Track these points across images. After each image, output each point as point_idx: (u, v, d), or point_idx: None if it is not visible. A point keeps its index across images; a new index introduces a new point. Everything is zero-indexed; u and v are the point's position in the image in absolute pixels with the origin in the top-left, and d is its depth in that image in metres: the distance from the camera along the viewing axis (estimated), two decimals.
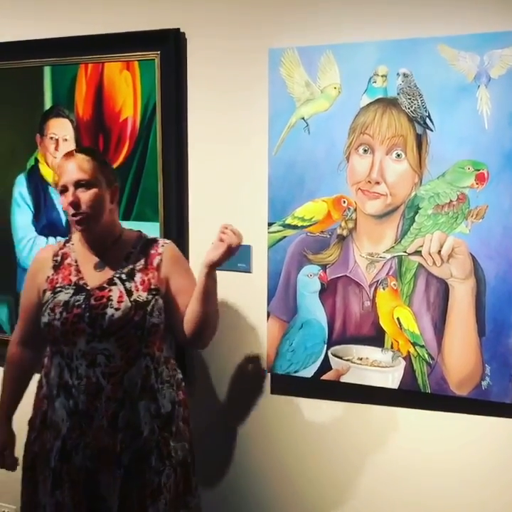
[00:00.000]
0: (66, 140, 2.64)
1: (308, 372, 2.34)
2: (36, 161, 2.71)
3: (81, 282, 2.09)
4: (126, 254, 2.14)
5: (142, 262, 2.12)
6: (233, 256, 2.00)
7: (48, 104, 2.65)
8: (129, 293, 2.06)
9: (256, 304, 2.43)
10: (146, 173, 2.50)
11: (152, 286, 2.09)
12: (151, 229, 2.45)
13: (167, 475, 2.09)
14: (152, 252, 2.15)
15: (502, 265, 2.07)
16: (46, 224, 2.73)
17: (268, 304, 2.37)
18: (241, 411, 2.54)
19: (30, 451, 2.16)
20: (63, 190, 2.04)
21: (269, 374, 2.45)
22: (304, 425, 2.45)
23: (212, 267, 2.01)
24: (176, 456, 2.11)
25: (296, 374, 2.36)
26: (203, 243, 2.39)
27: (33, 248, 2.74)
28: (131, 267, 2.11)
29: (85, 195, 2.02)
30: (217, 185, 2.44)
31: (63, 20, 2.58)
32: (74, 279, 2.10)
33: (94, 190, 2.03)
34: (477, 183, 2.07)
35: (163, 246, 2.17)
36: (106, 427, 2.03)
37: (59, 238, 2.67)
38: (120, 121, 2.53)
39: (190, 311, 2.09)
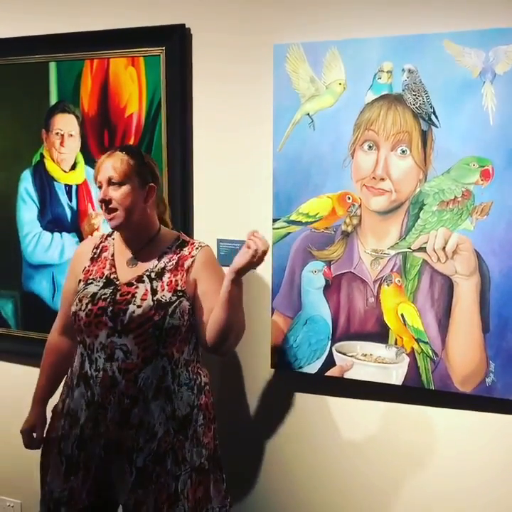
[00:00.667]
0: (71, 136, 2.64)
1: (313, 369, 2.34)
2: (42, 156, 2.71)
3: (112, 276, 2.12)
4: (160, 253, 2.14)
5: (174, 262, 2.12)
6: (259, 264, 1.95)
7: (53, 99, 2.65)
8: (154, 292, 2.06)
9: (260, 300, 2.43)
10: None
11: (178, 288, 2.08)
12: None
13: (183, 481, 2.07)
14: (185, 253, 2.14)
15: (506, 262, 2.07)
16: (51, 219, 2.73)
17: (272, 300, 2.37)
18: (245, 407, 2.54)
19: (48, 437, 2.21)
20: (99, 186, 2.08)
21: (273, 370, 2.45)
22: (307, 421, 2.45)
23: (239, 274, 1.97)
24: (190, 461, 2.09)
25: (301, 370, 2.36)
26: (208, 239, 2.40)
27: (38, 244, 2.75)
28: (162, 266, 2.12)
29: (116, 194, 2.05)
30: (222, 182, 2.45)
31: (69, 16, 2.58)
32: (106, 272, 2.13)
33: (124, 189, 2.05)
34: (482, 180, 2.07)
35: (197, 248, 2.16)
36: (118, 421, 2.05)
37: (64, 234, 2.68)
38: (125, 117, 2.53)
39: (213, 317, 2.06)
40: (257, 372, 2.49)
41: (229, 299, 1.99)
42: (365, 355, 2.27)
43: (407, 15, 2.11)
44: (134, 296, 2.05)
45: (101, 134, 2.58)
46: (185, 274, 2.10)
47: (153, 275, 2.10)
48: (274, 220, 2.33)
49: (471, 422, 2.23)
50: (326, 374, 2.33)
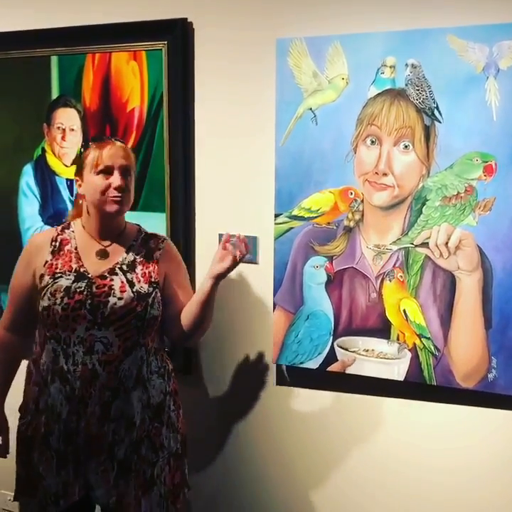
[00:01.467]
0: (73, 130, 2.64)
1: (314, 364, 2.34)
2: (43, 150, 2.71)
3: (82, 269, 2.10)
4: (128, 245, 2.17)
5: (143, 254, 2.16)
6: (238, 265, 2.09)
7: (55, 93, 2.65)
8: (131, 284, 2.09)
9: (262, 295, 2.43)
10: (152, 163, 2.50)
11: (152, 279, 2.13)
12: (158, 219, 2.45)
13: (161, 467, 2.12)
14: (152, 246, 2.19)
15: (509, 257, 2.06)
16: (53, 214, 2.73)
17: (274, 295, 2.37)
18: (246, 402, 2.54)
19: (23, 436, 2.18)
20: (104, 171, 2.04)
21: (274, 365, 2.45)
22: (308, 416, 2.45)
23: (218, 279, 2.09)
24: (168, 447, 2.15)
25: (302, 365, 2.36)
26: (210, 234, 2.40)
27: None
28: (132, 258, 2.14)
29: (128, 181, 2.08)
30: (223, 176, 2.44)
31: (71, 10, 2.57)
32: (74, 266, 2.11)
33: (132, 178, 2.11)
34: (485, 175, 2.06)
35: (162, 241, 2.21)
36: (98, 415, 2.06)
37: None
38: (127, 112, 2.53)
39: (186, 313, 2.16)
40: (259, 367, 2.49)
41: (206, 300, 2.11)
42: (367, 350, 2.27)
43: (410, 9, 2.10)
44: (111, 288, 2.07)
45: (102, 128, 2.58)
46: (156, 266, 2.15)
47: (125, 267, 2.12)
48: (276, 215, 2.33)
49: (472, 418, 2.22)
50: (328, 369, 2.32)
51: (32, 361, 2.18)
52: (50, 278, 2.10)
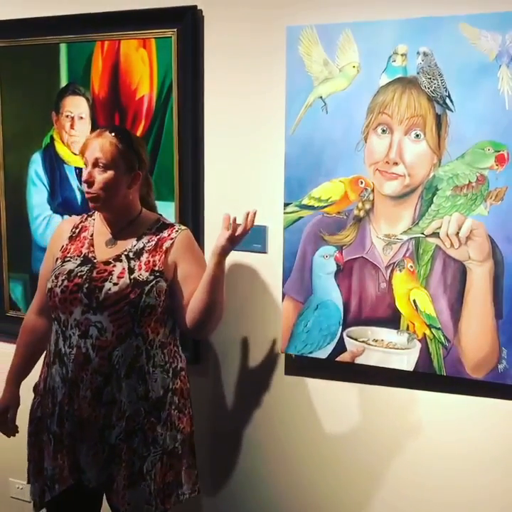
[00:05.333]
0: (82, 118, 2.63)
1: (323, 354, 2.34)
2: (52, 139, 2.71)
3: (90, 255, 2.14)
4: (140, 234, 2.17)
5: (153, 243, 2.15)
6: (243, 240, 2.05)
7: (63, 81, 2.64)
8: (131, 271, 2.09)
9: (271, 284, 2.43)
10: (161, 151, 2.49)
11: (156, 268, 2.11)
12: (167, 208, 2.44)
13: (152, 462, 2.11)
14: (165, 235, 2.17)
15: None
16: (61, 202, 2.73)
17: (283, 285, 2.36)
18: (255, 391, 2.54)
19: (34, 416, 2.23)
20: (85, 164, 2.09)
21: (283, 355, 2.45)
22: (317, 406, 2.45)
23: (221, 255, 2.03)
24: (162, 444, 2.13)
25: (311, 355, 2.36)
26: (218, 223, 2.37)
27: (49, 226, 2.75)
28: (141, 246, 2.14)
29: (100, 177, 2.07)
30: (233, 165, 2.43)
31: None
32: (84, 251, 2.15)
33: (109, 173, 2.07)
34: (497, 165, 2.04)
35: (177, 231, 2.18)
36: (89, 399, 2.07)
37: (74, 216, 2.67)
38: (136, 100, 2.51)
39: (195, 299, 2.11)
40: (268, 356, 2.49)
41: (211, 282, 2.05)
42: (377, 340, 2.26)
43: None
44: (110, 274, 2.08)
45: (111, 116, 2.57)
46: (163, 256, 2.13)
47: (131, 255, 2.12)
48: (286, 205, 2.32)
49: (482, 408, 2.22)
50: (337, 359, 2.32)
51: (49, 343, 2.22)
52: (60, 261, 2.16)
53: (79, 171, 2.66)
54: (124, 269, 2.09)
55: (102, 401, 2.07)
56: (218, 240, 2.04)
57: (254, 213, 2.03)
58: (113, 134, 2.09)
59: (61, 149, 2.69)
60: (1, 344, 2.89)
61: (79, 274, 2.09)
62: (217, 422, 2.59)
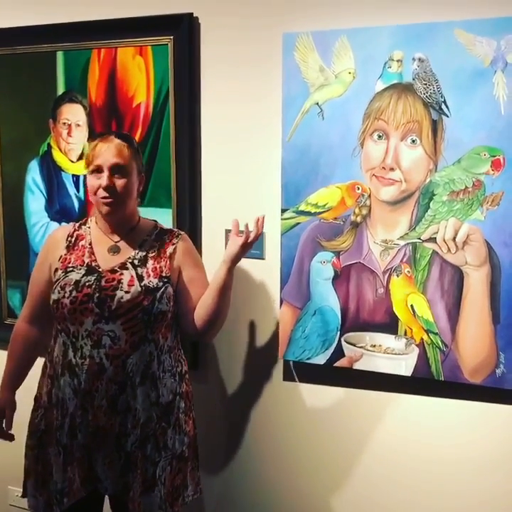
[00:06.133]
0: (79, 125, 2.64)
1: (321, 359, 2.34)
2: (49, 146, 2.71)
3: (93, 264, 2.12)
4: (141, 241, 2.17)
5: (156, 249, 2.16)
6: (250, 248, 2.09)
7: (60, 89, 2.64)
8: (140, 278, 2.09)
9: (269, 290, 2.43)
10: (158, 158, 2.49)
11: (163, 274, 2.12)
12: (164, 215, 2.44)
13: (162, 467, 2.11)
14: (166, 240, 2.18)
15: None
16: (59, 210, 2.73)
17: (281, 291, 2.36)
18: (253, 397, 2.54)
19: (36, 429, 2.20)
20: (96, 170, 2.07)
21: (281, 361, 2.45)
22: (316, 412, 2.45)
23: (234, 262, 2.08)
24: (172, 448, 2.13)
25: (309, 361, 2.36)
26: (216, 230, 2.40)
27: (46, 234, 2.74)
28: (144, 253, 2.14)
29: (120, 181, 2.07)
30: (230, 172, 2.43)
31: (76, 4, 2.57)
32: (86, 260, 2.13)
33: (128, 178, 2.08)
34: (493, 170, 2.05)
35: (177, 236, 2.21)
36: (105, 408, 2.07)
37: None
38: (133, 107, 2.52)
39: (203, 304, 2.13)
40: (266, 362, 2.49)
41: (222, 288, 2.09)
42: (375, 346, 2.26)
43: (417, 3, 2.09)
44: (120, 282, 2.07)
45: (108, 123, 2.57)
46: (168, 261, 2.14)
47: (136, 262, 2.12)
48: (283, 211, 2.32)
49: (480, 413, 2.22)
50: (335, 365, 2.32)
51: (48, 353, 2.21)
52: (62, 272, 2.13)
53: (76, 179, 2.67)
54: (132, 276, 2.08)
55: (117, 409, 2.07)
56: (229, 247, 2.07)
57: (264, 218, 2.08)
58: (120, 139, 2.09)
59: (58, 157, 2.69)
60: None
61: (87, 283, 2.07)
62: (216, 427, 2.59)
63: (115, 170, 2.05)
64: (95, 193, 2.07)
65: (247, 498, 2.59)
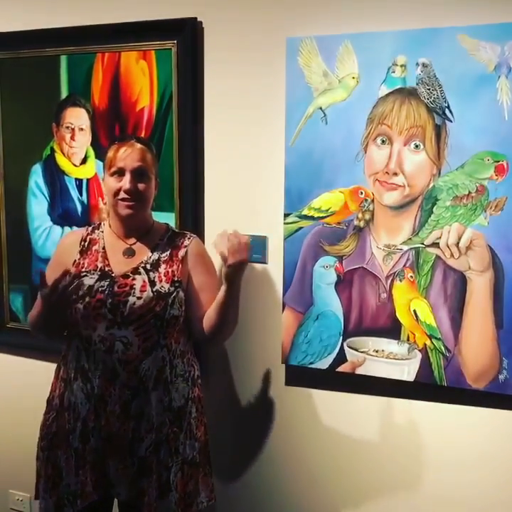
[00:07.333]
0: (82, 129, 2.64)
1: (324, 364, 2.33)
2: (52, 150, 2.71)
3: (106, 269, 2.12)
4: (154, 245, 2.17)
5: (168, 253, 2.16)
6: (243, 258, 2.04)
7: (64, 93, 2.65)
8: (152, 283, 2.09)
9: (271, 295, 2.42)
10: (162, 163, 2.47)
11: (175, 278, 2.12)
12: (167, 219, 2.44)
13: (175, 472, 2.11)
14: (178, 244, 2.19)
15: None
16: (61, 213, 2.73)
17: (283, 295, 2.36)
18: (255, 402, 2.53)
19: (48, 431, 2.19)
20: (117, 172, 2.08)
21: (283, 365, 2.44)
22: (318, 417, 2.44)
23: (229, 282, 2.06)
24: (183, 454, 2.13)
25: (312, 366, 2.35)
26: None
27: (49, 238, 2.75)
28: (156, 257, 2.15)
29: (141, 185, 2.09)
30: (233, 176, 2.43)
31: (80, 9, 2.58)
32: (100, 265, 2.13)
33: (148, 182, 2.11)
34: (496, 175, 2.05)
35: (189, 239, 2.21)
36: (118, 413, 2.07)
37: (74, 227, 2.67)
38: (136, 111, 2.52)
39: (209, 316, 2.15)
40: (268, 367, 2.48)
41: (224, 303, 2.09)
42: (377, 351, 2.26)
43: (421, 8, 2.09)
44: (132, 287, 2.07)
45: (112, 128, 2.57)
46: (180, 265, 2.14)
47: (148, 267, 2.12)
48: (286, 215, 2.32)
49: (483, 419, 2.21)
50: (338, 370, 2.32)
51: (61, 357, 2.21)
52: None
53: (79, 183, 2.67)
54: (144, 281, 2.09)
55: (130, 415, 2.07)
56: (223, 268, 2.07)
57: (247, 241, 2.05)
58: (142, 143, 2.13)
59: (61, 160, 2.69)
60: (2, 355, 2.89)
61: (100, 289, 2.08)
62: (218, 432, 2.58)
63: (137, 173, 2.07)
64: (116, 195, 2.08)
65: (248, 502, 2.58)
